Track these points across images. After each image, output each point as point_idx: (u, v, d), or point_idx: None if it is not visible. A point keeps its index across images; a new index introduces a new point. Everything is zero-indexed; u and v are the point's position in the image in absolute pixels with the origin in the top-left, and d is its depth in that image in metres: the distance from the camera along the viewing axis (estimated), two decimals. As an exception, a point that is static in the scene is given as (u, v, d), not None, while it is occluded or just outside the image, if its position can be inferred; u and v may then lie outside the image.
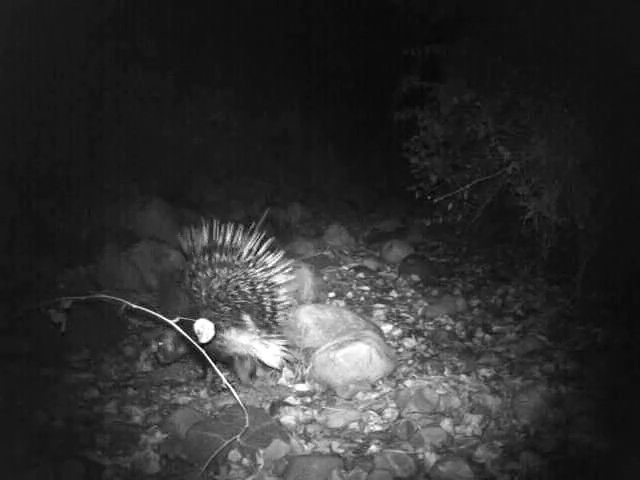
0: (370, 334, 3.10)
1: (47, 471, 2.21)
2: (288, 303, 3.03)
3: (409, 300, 4.15)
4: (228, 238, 2.86)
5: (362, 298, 4.18)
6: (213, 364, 2.42)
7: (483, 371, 3.01)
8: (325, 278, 4.43)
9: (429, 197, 3.99)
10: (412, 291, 4.30)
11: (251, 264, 2.88)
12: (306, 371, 2.99)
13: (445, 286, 4.34)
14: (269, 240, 2.94)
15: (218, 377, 2.55)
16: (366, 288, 4.36)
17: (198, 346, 2.48)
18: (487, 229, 4.41)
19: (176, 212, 5.13)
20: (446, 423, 2.54)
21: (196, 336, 2.63)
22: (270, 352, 2.81)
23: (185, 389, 2.91)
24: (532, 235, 3.80)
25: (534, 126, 3.62)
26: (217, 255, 2.83)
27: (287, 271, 2.98)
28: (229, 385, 2.44)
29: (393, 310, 3.96)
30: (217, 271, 2.81)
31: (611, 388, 2.67)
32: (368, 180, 7.03)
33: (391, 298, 4.19)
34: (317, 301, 3.87)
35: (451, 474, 2.22)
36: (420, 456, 2.35)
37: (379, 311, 3.90)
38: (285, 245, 5.12)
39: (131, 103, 5.26)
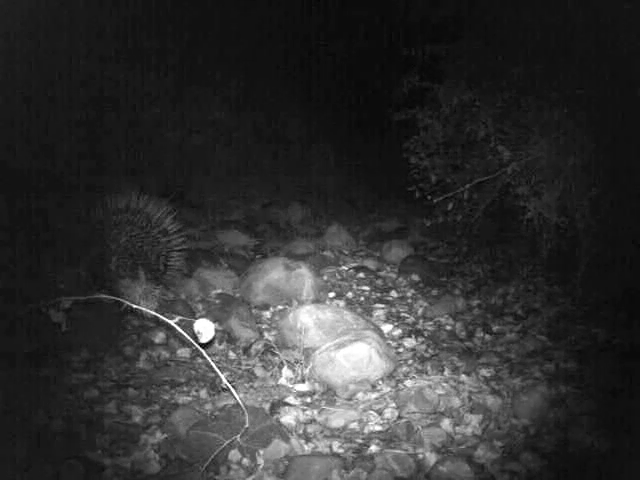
0: (370, 334, 3.10)
1: (47, 471, 2.21)
2: (179, 263, 3.76)
3: (409, 300, 4.15)
4: (142, 205, 3.58)
5: (362, 298, 4.18)
6: (214, 365, 2.42)
7: (483, 371, 3.01)
8: (325, 278, 4.43)
9: (429, 197, 3.99)
10: (412, 291, 4.30)
11: (155, 229, 3.59)
12: (306, 371, 2.99)
13: (445, 286, 4.33)
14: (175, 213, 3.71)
15: (218, 377, 2.56)
16: (366, 288, 4.35)
17: (198, 346, 2.48)
18: (487, 229, 4.40)
19: (176, 212, 5.12)
20: (446, 423, 2.54)
21: (196, 336, 2.63)
22: (150, 303, 3.33)
23: (185, 389, 2.91)
24: (532, 235, 3.80)
25: (534, 126, 3.62)
26: (130, 215, 3.52)
27: (182, 238, 3.73)
28: (229, 385, 2.44)
29: (393, 310, 3.96)
30: (128, 228, 3.47)
31: (611, 388, 2.67)
32: (368, 180, 7.02)
33: (391, 298, 4.19)
34: (317, 301, 3.87)
35: (451, 474, 2.22)
36: (420, 456, 2.35)
37: (379, 311, 3.90)
38: (285, 245, 5.14)
39: (131, 103, 5.26)
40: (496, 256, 4.70)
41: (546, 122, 3.58)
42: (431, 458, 2.32)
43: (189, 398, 2.82)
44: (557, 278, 4.01)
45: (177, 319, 2.40)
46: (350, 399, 2.82)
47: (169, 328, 3.00)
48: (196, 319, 2.62)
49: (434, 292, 4.24)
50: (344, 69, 7.03)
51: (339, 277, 4.54)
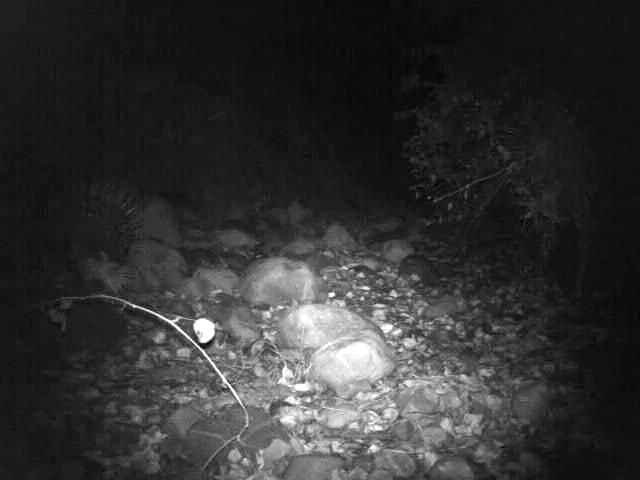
0: (370, 334, 3.10)
1: (47, 471, 2.21)
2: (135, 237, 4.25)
3: (409, 300, 4.15)
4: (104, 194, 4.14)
5: (362, 298, 4.18)
6: (214, 365, 2.42)
7: (483, 371, 3.01)
8: (325, 278, 4.43)
9: (429, 197, 4.00)
10: (412, 291, 4.30)
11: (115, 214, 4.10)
12: (306, 371, 2.99)
13: (445, 286, 4.33)
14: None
15: (218, 377, 2.56)
16: (366, 288, 4.36)
17: (198, 346, 2.48)
18: (487, 229, 4.41)
19: (176, 212, 5.13)
20: (446, 423, 2.54)
21: (196, 336, 2.64)
22: (116, 278, 3.77)
23: (185, 389, 2.91)
24: (532, 235, 3.80)
25: (534, 126, 3.63)
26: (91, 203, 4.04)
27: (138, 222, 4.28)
28: (229, 385, 2.44)
29: (393, 310, 3.96)
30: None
31: (611, 388, 2.67)
32: (368, 180, 7.03)
33: (391, 298, 4.19)
34: (317, 301, 3.87)
35: (451, 474, 2.22)
36: (420, 456, 2.35)
37: (379, 311, 3.90)
38: (285, 245, 5.15)
39: (131, 103, 5.26)
40: (496, 256, 4.71)
41: (546, 122, 3.58)
42: (431, 458, 2.32)
43: (189, 398, 2.82)
44: (557, 278, 4.01)
45: (177, 319, 2.40)
46: (350, 399, 2.82)
47: (169, 328, 3.00)
48: (196, 319, 2.62)
49: (434, 292, 4.24)
50: (344, 69, 7.04)
51: (339, 277, 4.55)
